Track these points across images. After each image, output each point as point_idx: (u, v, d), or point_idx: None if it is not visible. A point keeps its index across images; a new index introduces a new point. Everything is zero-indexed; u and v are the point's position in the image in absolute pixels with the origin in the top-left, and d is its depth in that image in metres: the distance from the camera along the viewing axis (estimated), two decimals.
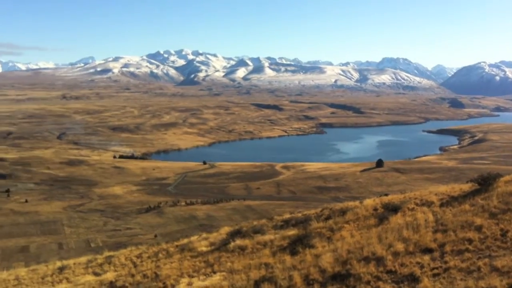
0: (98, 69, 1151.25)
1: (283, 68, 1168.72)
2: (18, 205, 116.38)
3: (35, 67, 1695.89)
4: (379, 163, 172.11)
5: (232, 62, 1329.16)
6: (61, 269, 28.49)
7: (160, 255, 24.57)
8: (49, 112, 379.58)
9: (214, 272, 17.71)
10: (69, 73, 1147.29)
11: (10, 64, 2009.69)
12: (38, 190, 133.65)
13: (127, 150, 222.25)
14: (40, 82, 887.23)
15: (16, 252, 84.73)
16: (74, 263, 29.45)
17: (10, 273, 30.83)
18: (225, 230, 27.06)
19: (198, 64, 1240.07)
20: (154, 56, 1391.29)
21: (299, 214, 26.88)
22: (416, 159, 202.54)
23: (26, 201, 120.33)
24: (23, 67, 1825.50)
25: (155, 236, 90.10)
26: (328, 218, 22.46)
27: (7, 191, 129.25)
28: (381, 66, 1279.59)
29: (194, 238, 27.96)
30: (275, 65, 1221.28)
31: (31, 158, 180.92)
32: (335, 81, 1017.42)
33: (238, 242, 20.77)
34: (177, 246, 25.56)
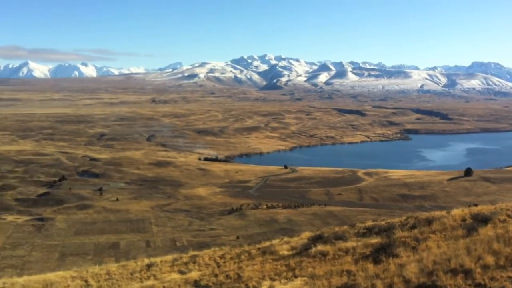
0: (185, 74, 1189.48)
1: (366, 73, 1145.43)
2: (110, 203, 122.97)
3: (127, 72, 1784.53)
4: (468, 172, 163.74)
5: (314, 67, 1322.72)
6: (149, 266, 29.77)
7: (243, 256, 25.01)
8: (140, 115, 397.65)
9: (296, 277, 17.81)
10: (158, 78, 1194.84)
11: (104, 69, 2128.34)
12: (128, 189, 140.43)
13: (211, 153, 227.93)
14: (132, 86, 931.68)
15: (107, 248, 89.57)
16: (161, 261, 30.61)
17: (102, 268, 32.64)
18: (306, 235, 27.09)
19: (280, 69, 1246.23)
20: (238, 62, 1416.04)
21: (382, 222, 26.38)
22: (508, 168, 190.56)
23: (117, 199, 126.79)
24: (116, 72, 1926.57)
25: (237, 237, 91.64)
26: (413, 227, 21.87)
27: (100, 189, 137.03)
28: (471, 71, 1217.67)
29: (275, 241, 28.21)
30: (358, 69, 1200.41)
31: (122, 158, 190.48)
32: (421, 86, 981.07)
33: (320, 247, 20.72)
34: (259, 248, 25.92)
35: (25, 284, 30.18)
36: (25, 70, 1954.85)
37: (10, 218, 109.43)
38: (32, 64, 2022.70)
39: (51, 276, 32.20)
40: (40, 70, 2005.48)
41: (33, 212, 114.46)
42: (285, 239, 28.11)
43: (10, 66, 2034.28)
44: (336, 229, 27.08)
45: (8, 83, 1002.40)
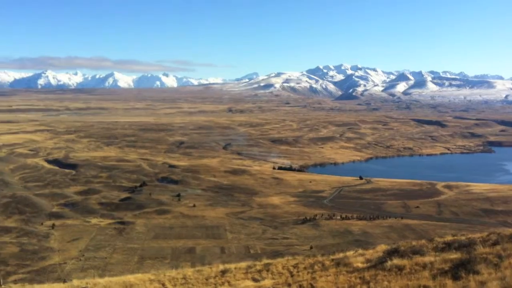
0: (261, 84, 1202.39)
1: (447, 83, 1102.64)
2: (187, 209, 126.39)
3: (205, 82, 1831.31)
4: None
5: (392, 77, 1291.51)
6: (223, 272, 30.31)
7: (316, 267, 24.91)
8: (217, 124, 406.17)
9: None
10: (235, 88, 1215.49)
11: (184, 79, 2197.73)
12: (204, 196, 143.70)
13: (285, 162, 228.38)
14: (210, 96, 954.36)
15: (183, 252, 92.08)
16: (235, 268, 31.05)
17: (178, 272, 33.62)
18: (381, 247, 26.55)
19: (356, 79, 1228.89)
20: (314, 72, 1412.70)
21: (463, 237, 25.35)
22: None
23: (194, 205, 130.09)
24: (195, 82, 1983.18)
25: (311, 247, 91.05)
26: (495, 243, 20.88)
27: (178, 195, 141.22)
28: None
29: (349, 253, 27.87)
30: (438, 79, 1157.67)
31: (199, 166, 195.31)
32: (506, 96, 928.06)
33: (396, 261, 20.26)
34: (332, 259, 25.71)
35: (106, 285, 31.61)
36: (110, 80, 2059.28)
37: (94, 221, 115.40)
38: (117, 75, 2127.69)
39: (130, 278, 33.56)
40: (125, 80, 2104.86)
41: (115, 215, 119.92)
42: (360, 251, 27.71)
43: (97, 76, 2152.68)
44: (413, 243, 26.32)
45: (95, 93, 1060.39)
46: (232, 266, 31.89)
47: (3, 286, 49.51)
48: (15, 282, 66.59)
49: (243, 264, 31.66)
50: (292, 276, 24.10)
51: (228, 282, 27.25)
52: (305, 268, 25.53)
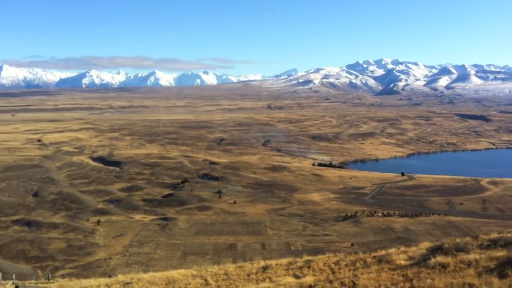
0: (300, 80, 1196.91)
1: (491, 76, 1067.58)
2: (228, 206, 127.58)
3: (244, 79, 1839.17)
4: None
5: (434, 71, 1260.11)
6: (265, 269, 30.60)
7: (358, 264, 24.87)
8: (256, 120, 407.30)
9: None
10: (274, 84, 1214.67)
11: (224, 77, 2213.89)
12: (245, 193, 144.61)
13: (325, 158, 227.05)
14: (249, 93, 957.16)
15: (225, 248, 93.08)
16: (276, 264, 31.30)
17: (220, 268, 34.16)
18: (424, 245, 26.25)
19: (397, 74, 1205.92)
20: (353, 67, 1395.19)
21: (509, 235, 24.78)
22: None
23: (235, 202, 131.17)
24: (235, 80, 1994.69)
25: (352, 244, 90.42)
26: None
27: (219, 192, 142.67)
28: None
29: (392, 250, 27.68)
30: (482, 72, 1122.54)
31: (239, 162, 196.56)
32: None
33: (439, 258, 20.02)
34: (374, 257, 25.60)
35: (150, 280, 32.47)
36: (152, 79, 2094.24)
37: (137, 217, 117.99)
38: (158, 73, 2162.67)
39: (173, 273, 34.31)
40: (166, 78, 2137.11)
41: (158, 212, 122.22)
42: (402, 248, 27.47)
43: (139, 75, 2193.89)
44: (458, 240, 25.90)
45: (137, 91, 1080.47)
46: (273, 262, 32.18)
47: (51, 281, 51.37)
48: (62, 276, 69.01)
49: (284, 261, 31.90)
50: (333, 273, 24.14)
51: (269, 278, 27.51)
52: (346, 265, 25.52)
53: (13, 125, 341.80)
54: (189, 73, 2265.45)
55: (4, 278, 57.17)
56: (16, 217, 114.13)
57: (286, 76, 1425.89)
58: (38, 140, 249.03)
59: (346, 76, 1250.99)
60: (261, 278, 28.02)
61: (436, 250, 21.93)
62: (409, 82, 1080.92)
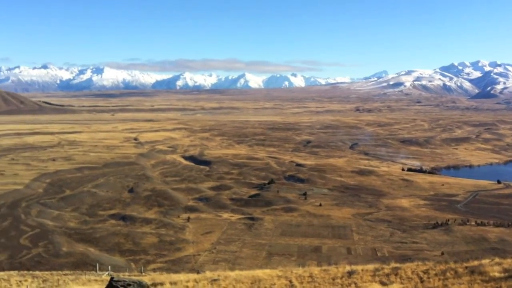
0: (391, 82, 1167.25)
1: None
2: (313, 208, 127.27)
3: (333, 81, 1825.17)
4: None
5: None
6: (350, 274, 30.41)
7: (448, 274, 24.14)
8: (343, 123, 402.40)
9: None
10: (363, 86, 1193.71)
11: (312, 79, 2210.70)
12: (330, 196, 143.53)
13: (415, 163, 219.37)
14: (337, 96, 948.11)
15: (310, 251, 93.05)
16: (362, 270, 30.98)
17: (305, 270, 34.34)
18: None
19: (495, 76, 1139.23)
20: (448, 69, 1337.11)
21: None
22: None
23: (320, 204, 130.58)
24: (323, 82, 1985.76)
25: (442, 253, 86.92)
26: None
27: (305, 194, 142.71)
28: None
29: (485, 261, 26.56)
30: None
31: (325, 165, 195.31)
32: None
33: None
34: (466, 267, 24.73)
35: (236, 278, 33.26)
36: (242, 81, 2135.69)
37: (225, 215, 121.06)
38: (248, 76, 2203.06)
39: (259, 273, 34.93)
40: (255, 81, 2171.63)
41: (244, 211, 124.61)
42: (497, 259, 26.27)
43: (229, 77, 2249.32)
44: None
45: (227, 93, 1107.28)
46: (359, 267, 31.88)
47: (143, 274, 54.12)
48: (154, 270, 72.45)
49: (371, 267, 31.51)
50: (422, 282, 23.62)
51: (355, 283, 27.35)
52: (436, 274, 24.86)
53: (112, 124, 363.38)
54: (278, 76, 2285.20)
55: (100, 269, 61.20)
56: (112, 212, 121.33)
57: (375, 78, 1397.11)
58: (135, 139, 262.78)
59: (439, 79, 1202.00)
60: (346, 283, 27.92)
61: None
62: (508, 85, 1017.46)
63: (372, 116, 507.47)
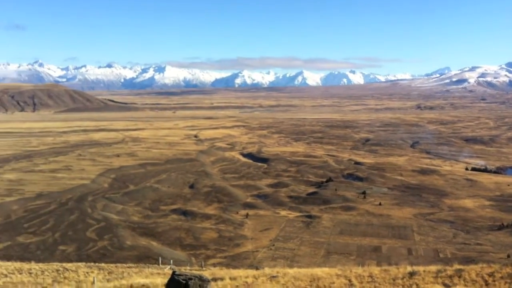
0: (453, 79, 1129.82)
1: None
2: (373, 207, 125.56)
3: (393, 78, 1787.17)
4: None
5: None
6: (411, 274, 30.24)
7: None
8: (404, 121, 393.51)
9: None
10: (424, 83, 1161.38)
11: (371, 76, 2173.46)
12: (390, 195, 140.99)
13: (479, 163, 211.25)
14: (397, 93, 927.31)
15: (369, 250, 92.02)
16: (424, 271, 30.73)
17: (364, 270, 34.39)
18: None
19: None
20: None
21: None
22: None
23: (380, 204, 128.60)
24: (382, 79, 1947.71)
25: (508, 256, 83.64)
26: None
27: (363, 192, 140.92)
28: None
29: None
30: None
31: (385, 164, 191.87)
32: None
33: None
34: None
35: (295, 275, 33.78)
36: (299, 78, 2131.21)
37: (283, 213, 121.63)
38: (306, 73, 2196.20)
39: (317, 271, 35.31)
40: (313, 78, 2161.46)
41: (302, 209, 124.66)
42: None
43: (287, 75, 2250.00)
44: None
45: (285, 91, 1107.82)
46: (420, 268, 31.65)
47: (204, 268, 55.55)
48: (214, 265, 74.14)
49: (433, 268, 31.23)
50: (487, 285, 23.29)
51: (417, 284, 27.24)
52: (502, 277, 24.40)
53: (174, 122, 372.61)
54: (336, 73, 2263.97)
55: (162, 263, 63.42)
56: (174, 207, 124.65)
57: (438, 75, 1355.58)
58: (195, 136, 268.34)
59: (505, 75, 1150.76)
60: (407, 284, 27.82)
61: None
62: None
63: (434, 113, 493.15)
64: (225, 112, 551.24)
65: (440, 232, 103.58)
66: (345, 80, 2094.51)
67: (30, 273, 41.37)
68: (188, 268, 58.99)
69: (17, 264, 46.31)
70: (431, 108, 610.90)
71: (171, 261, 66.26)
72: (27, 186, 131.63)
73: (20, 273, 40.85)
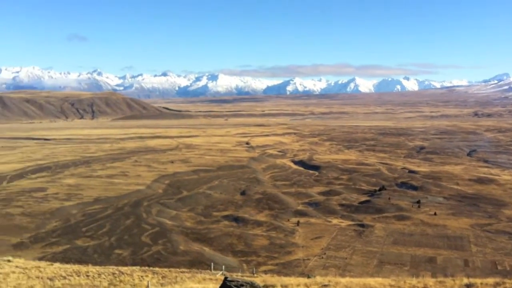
0: None
1: None
2: (427, 217, 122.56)
3: (448, 84, 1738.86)
4: None
5: None
6: (468, 286, 29.68)
7: None
8: (460, 128, 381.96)
9: None
10: (481, 90, 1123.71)
11: (426, 82, 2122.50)
12: (446, 205, 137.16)
13: None
14: (453, 99, 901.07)
15: (423, 261, 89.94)
16: (481, 283, 30.08)
17: (419, 281, 33.84)
18: None
19: None
20: None
21: None
22: None
23: (435, 213, 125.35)
24: (438, 85, 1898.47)
25: None
26: None
27: (418, 202, 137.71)
28: None
29: None
30: None
31: (441, 172, 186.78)
32: None
33: None
34: None
35: (347, 284, 33.64)
36: (352, 85, 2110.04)
37: (334, 221, 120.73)
38: (358, 80, 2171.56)
39: (370, 281, 35.01)
40: (365, 85, 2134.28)
41: (354, 217, 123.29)
42: None
43: (339, 82, 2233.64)
44: None
45: (337, 98, 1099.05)
46: (477, 280, 30.97)
47: (255, 275, 56.08)
48: (265, 272, 74.58)
49: (490, 280, 30.55)
50: None
51: None
52: None
53: (226, 129, 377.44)
54: (389, 79, 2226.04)
55: (214, 269, 64.49)
56: (226, 213, 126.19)
57: (496, 81, 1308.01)
58: (247, 143, 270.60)
59: None
60: None
61: None
62: None
63: (492, 121, 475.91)
64: (277, 119, 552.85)
65: (498, 243, 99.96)
66: (398, 86, 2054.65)
67: (87, 276, 43.21)
68: (239, 274, 59.68)
69: (75, 267, 48.36)
70: (488, 115, 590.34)
71: (223, 267, 67.20)
72: (85, 191, 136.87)
73: (78, 276, 42.75)
